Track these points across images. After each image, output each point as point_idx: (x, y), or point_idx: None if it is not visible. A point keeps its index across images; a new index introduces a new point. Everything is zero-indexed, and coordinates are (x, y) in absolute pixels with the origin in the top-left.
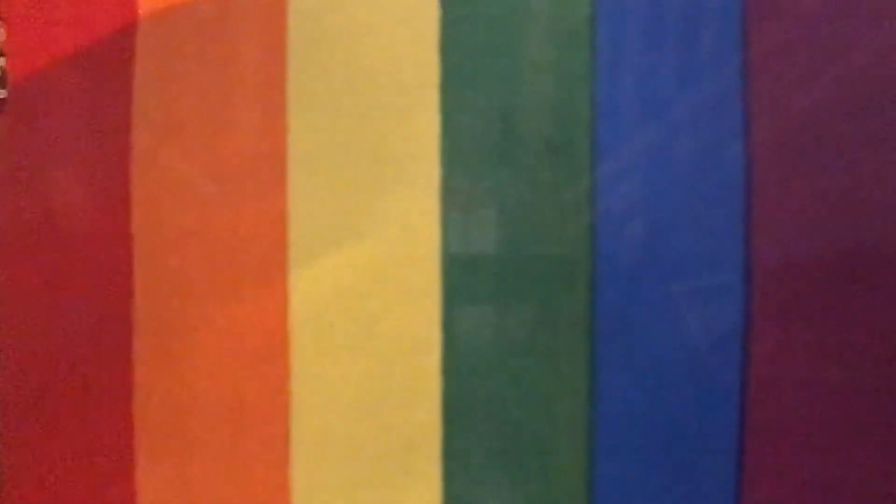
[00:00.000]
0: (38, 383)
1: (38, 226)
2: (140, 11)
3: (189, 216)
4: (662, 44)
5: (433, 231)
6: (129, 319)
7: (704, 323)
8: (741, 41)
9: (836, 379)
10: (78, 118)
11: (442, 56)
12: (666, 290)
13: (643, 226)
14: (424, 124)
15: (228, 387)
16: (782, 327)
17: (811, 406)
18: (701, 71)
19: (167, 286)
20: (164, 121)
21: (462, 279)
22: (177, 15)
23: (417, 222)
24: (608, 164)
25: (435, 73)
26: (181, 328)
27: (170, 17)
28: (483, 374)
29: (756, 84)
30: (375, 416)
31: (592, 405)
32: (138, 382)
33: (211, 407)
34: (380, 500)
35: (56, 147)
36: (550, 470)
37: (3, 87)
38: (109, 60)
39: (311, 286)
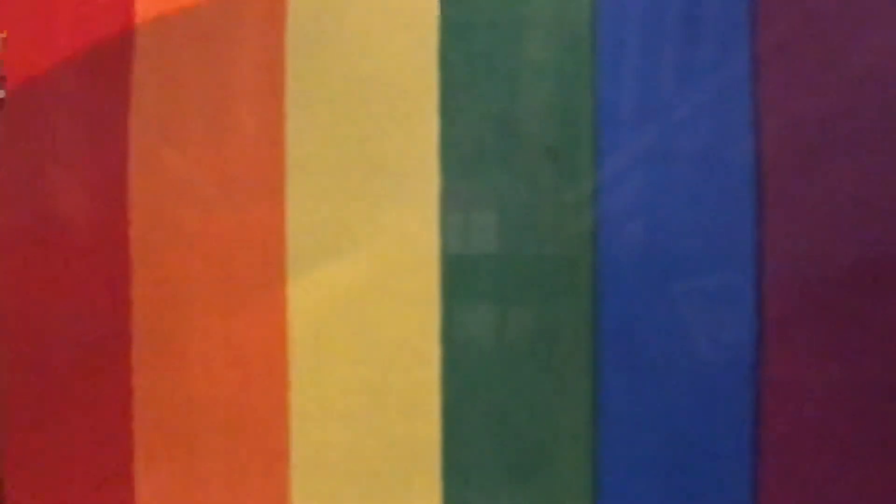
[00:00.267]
0: (36, 392)
1: (36, 231)
2: (138, 15)
3: (187, 223)
4: (665, 43)
5: (432, 238)
6: (127, 327)
7: (713, 328)
8: (749, 37)
9: (854, 386)
10: (76, 122)
11: (441, 61)
12: (672, 293)
13: (648, 227)
14: (424, 130)
15: (227, 396)
16: (796, 332)
17: (828, 415)
18: (706, 69)
19: (165, 294)
20: (163, 127)
21: (462, 287)
22: (175, 20)
23: (417, 230)
24: (611, 165)
25: (434, 78)
26: (179, 337)
27: (168, 21)
28: (484, 385)
29: (765, 81)
30: (375, 428)
31: (596, 415)
32: (137, 391)
33: (209, 417)
34: None
35: (54, 151)
36: (554, 484)
37: (2, 88)
38: (107, 65)
39: (309, 294)
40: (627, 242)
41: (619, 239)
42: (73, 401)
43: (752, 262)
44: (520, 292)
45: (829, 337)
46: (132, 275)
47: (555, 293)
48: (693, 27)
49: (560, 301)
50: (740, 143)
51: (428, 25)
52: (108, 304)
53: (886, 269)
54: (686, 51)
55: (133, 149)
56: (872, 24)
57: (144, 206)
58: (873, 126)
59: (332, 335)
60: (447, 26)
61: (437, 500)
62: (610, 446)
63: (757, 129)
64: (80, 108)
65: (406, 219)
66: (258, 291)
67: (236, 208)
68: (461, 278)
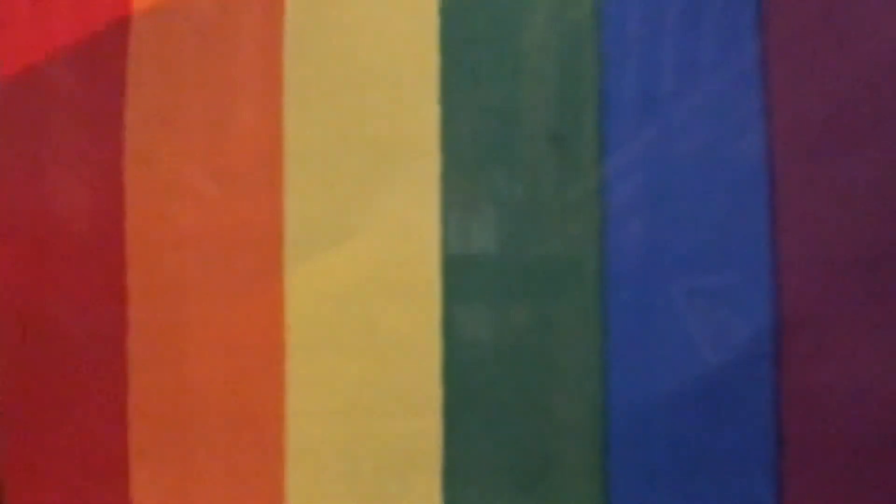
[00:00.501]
0: (30, 388)
1: (29, 226)
2: (134, 9)
3: (183, 215)
4: (671, 33)
5: (433, 229)
6: (123, 320)
7: (725, 328)
8: (758, 28)
9: (875, 387)
10: (71, 116)
11: (442, 50)
12: (681, 292)
13: (655, 224)
14: (424, 120)
15: (223, 391)
16: (812, 331)
17: (850, 418)
18: (714, 61)
19: (161, 288)
20: (159, 119)
21: (463, 282)
22: (171, 13)
23: (417, 220)
24: (616, 160)
25: (434, 67)
26: (175, 331)
27: (164, 15)
28: (486, 384)
29: (774, 72)
30: (373, 425)
31: (604, 417)
32: (132, 385)
33: (205, 412)
34: None
35: (48, 145)
36: (560, 488)
37: None
38: (103, 58)
39: (307, 287)
40: (634, 240)
41: (625, 236)
42: (68, 396)
43: (765, 259)
44: (522, 289)
45: (846, 336)
46: (128, 268)
47: (559, 291)
48: (700, 17)
49: (564, 299)
50: (749, 136)
51: (428, 14)
52: (103, 299)
53: None
54: (693, 41)
55: (129, 142)
56: (883, 14)
57: (140, 198)
58: (885, 117)
59: (329, 330)
60: (447, 15)
61: (436, 501)
62: (619, 449)
63: (766, 122)
64: (75, 102)
65: (406, 210)
66: (255, 286)
67: (233, 201)
68: (462, 273)
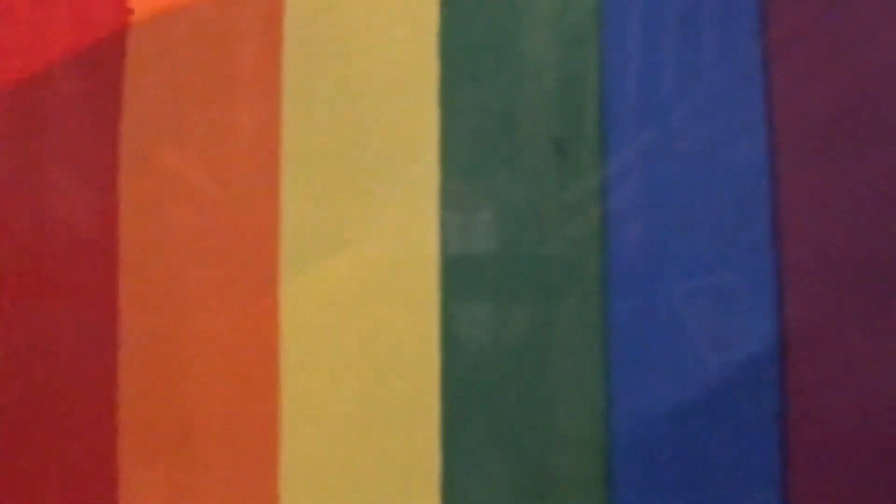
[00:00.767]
0: (19, 396)
1: (24, 230)
2: (132, 14)
3: (178, 222)
4: (672, 35)
5: (432, 237)
6: (114, 329)
7: (730, 331)
8: (759, 29)
9: (883, 390)
10: (68, 121)
11: (441, 55)
12: (684, 292)
13: (658, 225)
14: (423, 126)
15: (215, 402)
16: (819, 334)
17: (857, 422)
18: (715, 61)
19: (154, 295)
20: (156, 125)
21: (462, 288)
22: (169, 18)
23: (416, 228)
24: (617, 161)
25: (434, 72)
26: (167, 339)
27: (162, 20)
28: (486, 393)
29: (776, 73)
30: (370, 438)
31: (606, 424)
32: (123, 395)
33: (197, 424)
34: None
35: (44, 149)
36: (564, 499)
37: None
38: (100, 62)
39: (303, 295)
40: (636, 241)
41: (627, 237)
42: (57, 403)
43: (767, 261)
44: (522, 294)
45: (851, 339)
46: (120, 274)
47: (559, 295)
48: (701, 17)
49: (566, 303)
50: (751, 137)
51: (428, 19)
52: (95, 304)
53: None
54: (693, 42)
55: (125, 146)
56: (885, 14)
57: (135, 203)
58: (889, 119)
59: (326, 339)
60: (447, 20)
61: None
62: (623, 456)
63: (769, 123)
64: (72, 106)
65: (405, 217)
66: (250, 294)
67: (229, 207)
68: (462, 280)
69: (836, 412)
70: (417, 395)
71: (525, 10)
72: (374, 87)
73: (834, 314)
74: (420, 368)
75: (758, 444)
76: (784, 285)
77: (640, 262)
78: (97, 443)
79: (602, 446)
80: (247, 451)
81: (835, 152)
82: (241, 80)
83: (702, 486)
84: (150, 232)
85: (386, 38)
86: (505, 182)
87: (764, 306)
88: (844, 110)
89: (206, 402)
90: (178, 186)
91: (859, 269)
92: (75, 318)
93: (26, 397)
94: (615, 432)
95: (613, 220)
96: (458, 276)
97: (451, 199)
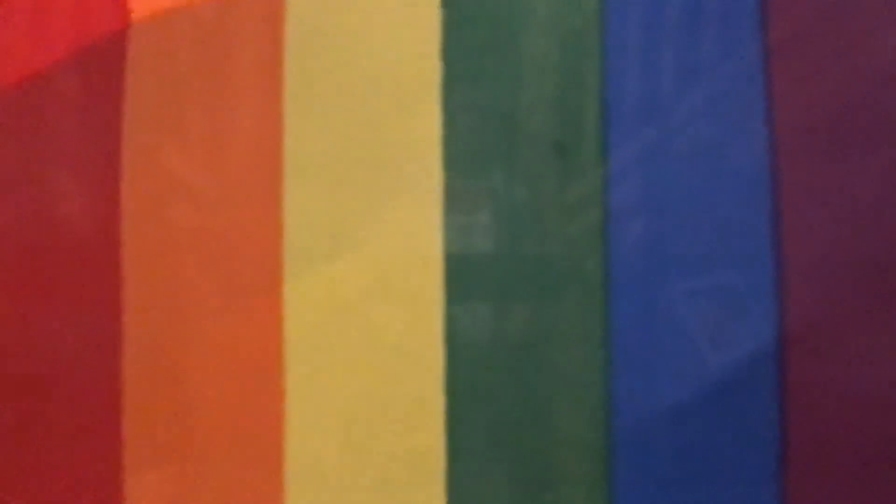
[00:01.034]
0: (23, 398)
1: (25, 232)
2: (133, 16)
3: (181, 224)
4: (674, 35)
5: (435, 239)
6: (118, 330)
7: (730, 330)
8: (760, 29)
9: (883, 389)
10: (69, 120)
11: (444, 57)
12: (685, 293)
13: (659, 225)
14: (426, 127)
15: (219, 405)
16: (819, 334)
17: (856, 421)
18: (716, 61)
19: (157, 297)
20: (157, 126)
21: (466, 289)
22: (170, 19)
23: (419, 230)
24: (618, 160)
25: (437, 74)
26: (171, 341)
27: (163, 21)
28: (490, 393)
29: (777, 73)
30: (375, 439)
31: (608, 423)
32: (127, 398)
33: (202, 426)
34: None
35: (45, 149)
36: (566, 497)
37: None
38: (101, 62)
39: (307, 299)
40: (636, 241)
41: (628, 237)
42: (60, 405)
43: (767, 261)
44: (523, 294)
45: (854, 339)
46: (123, 276)
47: (559, 295)
48: (703, 18)
49: (568, 303)
50: (751, 137)
51: (430, 21)
52: (98, 306)
53: None
54: (695, 42)
55: (127, 147)
56: (886, 15)
57: (137, 205)
58: (890, 119)
59: (330, 340)
60: (450, 22)
61: None
62: (623, 455)
63: (770, 123)
64: (73, 106)
65: (408, 219)
66: (254, 294)
67: (232, 208)
68: (465, 280)
69: (835, 412)
70: (422, 395)
71: (526, 11)
72: (376, 87)
73: (834, 314)
74: (424, 368)
75: (757, 443)
76: (784, 285)
77: (640, 262)
78: (102, 444)
79: (602, 445)
80: (252, 452)
81: (835, 152)
82: (243, 81)
83: (702, 486)
84: (152, 234)
85: (388, 39)
86: (506, 182)
87: (764, 306)
88: (845, 110)
89: (211, 403)
90: (181, 188)
91: (859, 268)
92: (78, 320)
93: (30, 399)
94: (615, 431)
95: (614, 219)
96: (460, 276)
97: (454, 200)
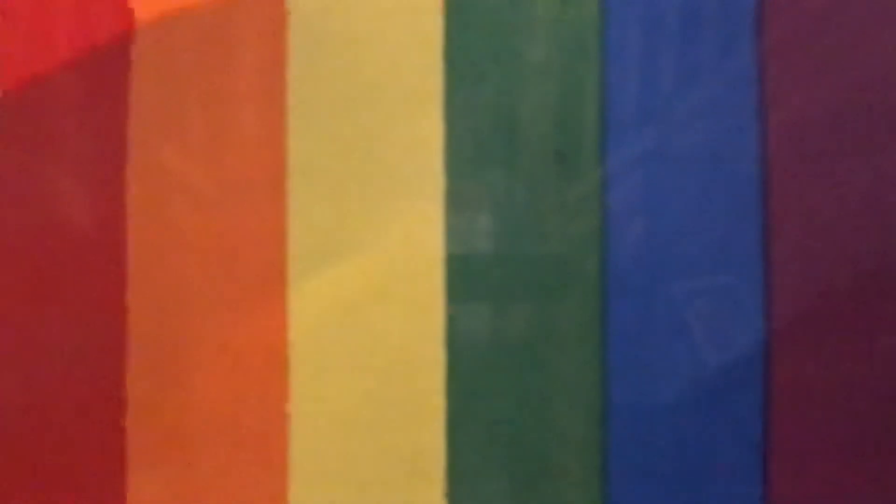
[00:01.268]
0: (26, 402)
1: (29, 233)
2: (137, 20)
3: (185, 227)
4: (670, 41)
5: (437, 242)
6: (122, 332)
7: (720, 331)
8: (755, 30)
9: (864, 390)
10: (74, 128)
11: (446, 63)
12: (683, 291)
13: (653, 228)
14: (428, 132)
15: (224, 406)
16: (805, 335)
17: (839, 420)
18: (710, 67)
19: (162, 299)
20: (162, 130)
21: (467, 291)
22: (174, 24)
23: (421, 234)
24: (616, 162)
25: (439, 80)
26: (175, 343)
27: (167, 26)
28: (489, 393)
29: (770, 79)
30: (377, 438)
31: (603, 421)
32: (131, 400)
33: (206, 427)
34: None
35: (51, 153)
36: (563, 494)
37: None
38: (106, 66)
39: (311, 300)
40: (635, 241)
41: (626, 238)
42: (64, 407)
43: (758, 263)
44: (522, 294)
45: (838, 340)
46: (128, 278)
47: (559, 295)
48: (700, 23)
49: (565, 303)
50: (745, 142)
51: (432, 27)
52: (103, 309)
53: None
54: (690, 48)
55: (132, 151)
56: (881, 18)
57: (142, 208)
58: (882, 124)
59: (333, 342)
60: (452, 28)
61: None
62: (618, 453)
63: (762, 128)
64: (78, 111)
65: (410, 222)
66: (258, 297)
67: (236, 212)
68: (466, 281)
69: (819, 410)
70: (423, 395)
71: (528, 21)
72: (379, 92)
73: (821, 315)
74: (425, 371)
75: (749, 440)
76: (771, 286)
77: (638, 263)
78: (106, 446)
79: (599, 443)
80: (256, 452)
81: (828, 155)
82: (247, 84)
83: (695, 482)
84: (157, 236)
85: (390, 45)
86: (509, 186)
87: (755, 306)
88: (839, 114)
89: (215, 404)
90: (185, 193)
91: (845, 272)
92: (83, 321)
93: (35, 400)
94: (612, 429)
95: (612, 221)
96: (461, 277)
97: (455, 203)
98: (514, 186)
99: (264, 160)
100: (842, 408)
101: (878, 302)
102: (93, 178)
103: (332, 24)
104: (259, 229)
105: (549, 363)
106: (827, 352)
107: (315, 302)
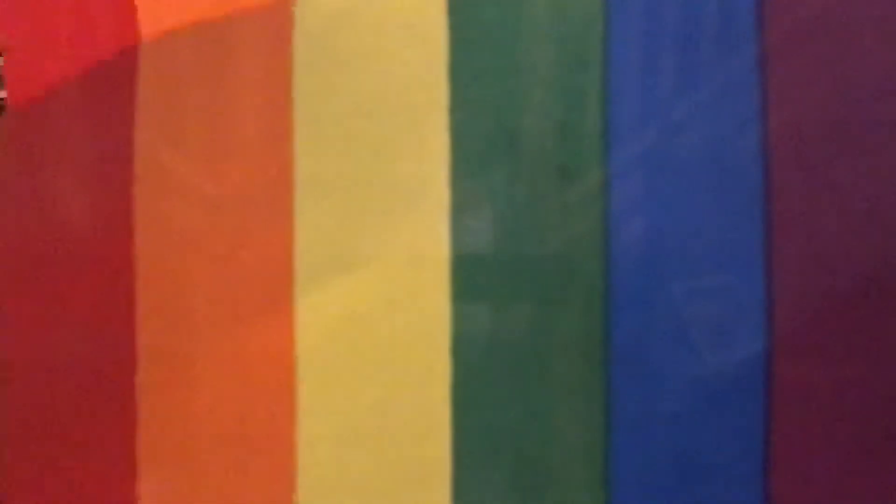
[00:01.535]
0: (37, 406)
1: (39, 244)
2: (142, 34)
3: (193, 241)
4: (671, 44)
5: (443, 255)
6: (132, 344)
7: (722, 332)
8: (757, 30)
9: (866, 391)
10: (82, 136)
11: (451, 78)
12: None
13: (658, 229)
14: (433, 146)
15: (233, 418)
16: (806, 336)
17: (840, 422)
18: (712, 69)
19: (171, 311)
20: (168, 143)
21: (471, 299)
22: (180, 37)
23: (427, 242)
24: (617, 165)
25: (444, 94)
26: (184, 354)
27: (173, 39)
28: (495, 405)
29: (771, 80)
30: (384, 448)
31: (607, 428)
32: (141, 413)
33: (215, 438)
34: None
35: (59, 165)
36: (567, 502)
37: (3, 88)
38: (113, 78)
39: (318, 311)
40: (634, 245)
41: (626, 242)
42: (75, 417)
43: (760, 266)
44: (526, 295)
45: (840, 341)
46: (137, 291)
47: (561, 295)
48: (700, 19)
49: (567, 304)
50: (746, 143)
51: (437, 42)
52: (112, 320)
53: None
54: (693, 47)
55: (139, 164)
56: (881, 18)
57: (150, 221)
58: (882, 122)
59: (340, 353)
60: (456, 43)
61: None
62: (621, 459)
63: (763, 129)
64: (85, 122)
65: (416, 232)
66: (266, 308)
67: (243, 222)
68: (470, 293)
69: (821, 417)
70: (429, 407)
71: (532, 36)
72: (385, 108)
73: (822, 317)
74: (431, 381)
75: (751, 446)
76: (772, 287)
77: (641, 265)
78: (116, 455)
79: (603, 451)
80: (264, 462)
81: (828, 154)
82: (253, 96)
83: (698, 486)
84: (166, 255)
85: (396, 56)
86: (510, 190)
87: (756, 307)
88: (839, 115)
89: (224, 415)
90: (193, 203)
91: (846, 272)
92: (93, 332)
93: (46, 408)
94: (616, 437)
95: (613, 221)
96: (466, 289)
97: (460, 213)
98: (517, 191)
99: (271, 171)
100: (845, 413)
101: (881, 304)
102: (100, 192)
103: (337, 36)
104: (266, 240)
105: (553, 371)
106: (829, 356)
107: (322, 312)
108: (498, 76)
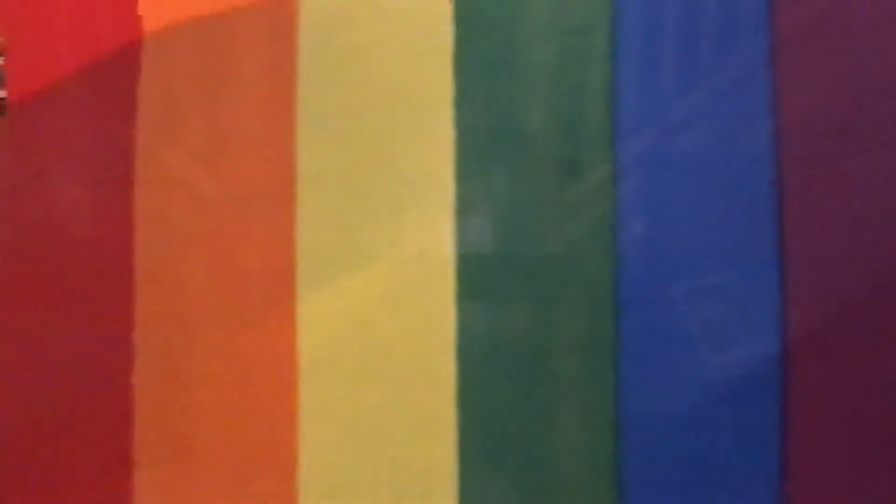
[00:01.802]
0: (35, 410)
1: (39, 242)
2: (145, 32)
3: (194, 239)
4: (679, 40)
5: (448, 248)
6: (130, 343)
7: (734, 331)
8: (765, 26)
9: (882, 390)
10: (83, 134)
11: (456, 72)
12: (689, 294)
13: (663, 222)
14: (438, 143)
15: (233, 418)
16: (821, 335)
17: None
18: (721, 66)
19: (170, 310)
20: (170, 138)
21: (476, 298)
22: (182, 35)
23: (432, 240)
24: (622, 163)
25: (449, 89)
26: (184, 354)
27: (175, 37)
28: (501, 405)
29: (781, 78)
30: (388, 451)
31: (617, 430)
32: (139, 414)
33: (215, 440)
34: None
35: (60, 163)
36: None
37: (2, 87)
38: (114, 76)
39: (320, 310)
40: (643, 244)
41: (635, 241)
42: (72, 417)
43: (770, 259)
44: (530, 295)
45: (855, 340)
46: (136, 289)
47: (566, 295)
48: (706, 16)
49: (572, 304)
50: (755, 136)
51: (443, 36)
52: (111, 317)
53: None
54: (698, 41)
55: (139, 163)
56: (890, 15)
57: (150, 219)
58: (892, 119)
59: (343, 353)
60: (462, 38)
61: None
62: (631, 461)
63: (773, 125)
64: (86, 120)
65: (421, 230)
66: (267, 308)
67: (245, 221)
68: (477, 297)
69: (836, 418)
70: (434, 409)
71: (538, 30)
72: (390, 103)
73: (836, 316)
74: (436, 382)
75: (765, 449)
76: (786, 286)
77: (649, 266)
78: (113, 456)
79: (612, 454)
80: (265, 464)
81: (838, 153)
82: (256, 94)
83: (708, 489)
84: (165, 246)
85: (400, 52)
86: (516, 188)
87: (767, 307)
88: (848, 111)
89: (224, 416)
90: (193, 205)
91: (862, 269)
92: (92, 331)
93: (43, 408)
94: (622, 437)
95: (619, 220)
96: (472, 287)
97: (465, 210)
98: (523, 189)
99: (273, 169)
100: (861, 413)
101: (894, 295)
102: (100, 189)
103: (341, 32)
104: (268, 239)
105: (560, 372)
106: (845, 355)
107: (325, 311)
108: (503, 71)
